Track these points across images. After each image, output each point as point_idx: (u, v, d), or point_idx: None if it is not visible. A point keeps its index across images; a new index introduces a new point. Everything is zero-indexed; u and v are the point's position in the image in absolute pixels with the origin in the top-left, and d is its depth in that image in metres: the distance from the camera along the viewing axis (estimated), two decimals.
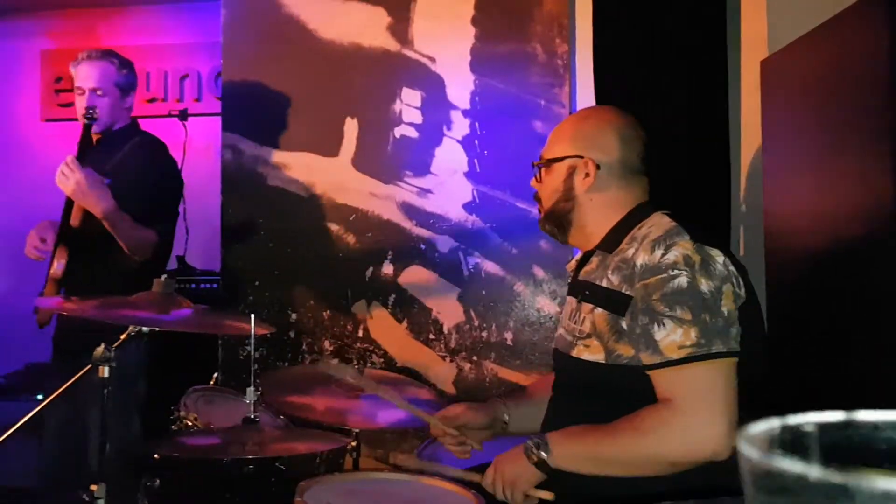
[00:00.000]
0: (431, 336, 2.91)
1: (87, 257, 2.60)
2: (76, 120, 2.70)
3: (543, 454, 1.51)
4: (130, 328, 1.83)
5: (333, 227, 3.02)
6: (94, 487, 1.74)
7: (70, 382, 1.89)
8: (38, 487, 3.38)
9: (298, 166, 3.06)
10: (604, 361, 1.55)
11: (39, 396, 3.60)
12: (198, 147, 3.96)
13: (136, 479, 1.90)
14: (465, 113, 2.96)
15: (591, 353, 1.57)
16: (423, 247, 2.95)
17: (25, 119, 4.31)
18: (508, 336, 2.87)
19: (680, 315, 1.44)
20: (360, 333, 2.97)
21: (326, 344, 2.99)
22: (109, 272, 2.57)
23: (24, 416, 3.55)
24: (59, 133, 3.87)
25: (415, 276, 2.95)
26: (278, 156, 3.08)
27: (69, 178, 2.40)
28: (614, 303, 1.54)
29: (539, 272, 2.87)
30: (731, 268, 1.51)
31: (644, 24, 2.64)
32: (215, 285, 3.58)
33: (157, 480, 1.85)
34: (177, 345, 2.71)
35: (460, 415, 1.78)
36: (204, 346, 3.01)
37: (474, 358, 2.88)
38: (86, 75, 2.71)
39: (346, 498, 1.73)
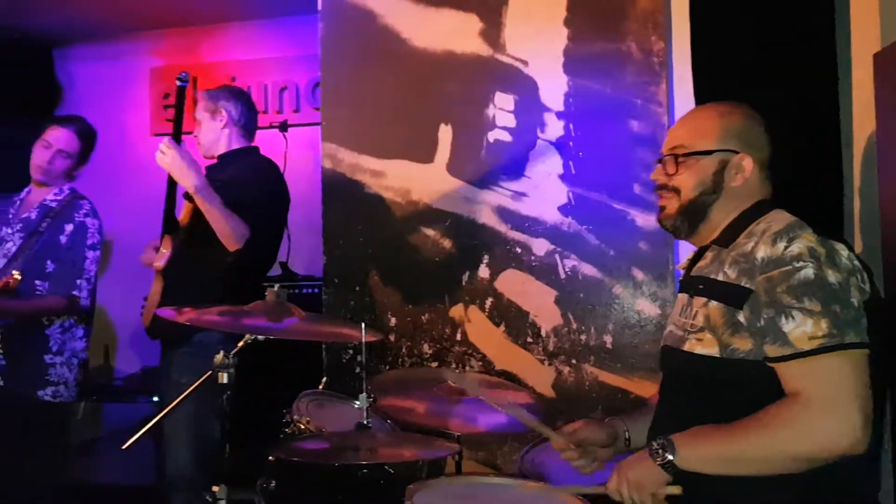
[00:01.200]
0: (529, 339, 2.91)
1: (188, 252, 2.71)
2: (188, 133, 2.83)
3: (670, 456, 1.48)
4: (247, 336, 1.90)
5: (430, 232, 3.06)
6: (215, 489, 1.82)
7: (192, 388, 1.98)
8: (157, 486, 3.56)
9: (395, 173, 3.11)
10: (718, 355, 1.52)
11: (155, 399, 3.83)
12: (297, 156, 4.11)
13: (253, 480, 1.97)
14: (559, 115, 2.95)
15: (704, 346, 1.54)
16: (518, 250, 2.96)
17: (136, 133, 4.55)
18: (608, 339, 2.84)
19: (809, 306, 1.41)
20: (459, 337, 3.00)
21: (425, 347, 3.03)
22: (207, 268, 2.66)
23: (141, 416, 3.75)
24: None
25: (511, 279, 2.95)
26: (375, 164, 3.13)
27: (165, 155, 2.53)
28: (731, 295, 1.51)
29: (639, 274, 2.83)
30: (856, 262, 1.48)
31: (744, 18, 2.57)
32: (317, 290, 3.68)
33: (273, 482, 1.92)
34: (284, 348, 2.79)
35: (580, 430, 1.78)
36: (308, 349, 3.09)
37: (573, 361, 2.86)
38: (208, 104, 2.89)
39: (454, 501, 1.76)
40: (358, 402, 1.78)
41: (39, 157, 3.03)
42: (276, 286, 1.97)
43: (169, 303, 2.62)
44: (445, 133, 3.07)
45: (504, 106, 3.01)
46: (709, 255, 1.66)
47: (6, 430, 2.85)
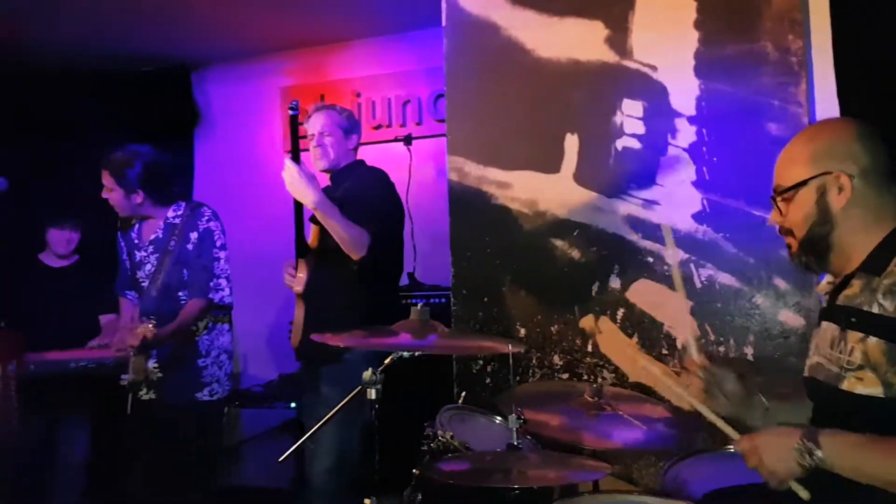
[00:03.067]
0: (664, 351, 2.84)
1: (322, 273, 2.81)
2: (305, 150, 2.94)
3: (819, 455, 1.40)
4: (393, 354, 1.95)
5: (557, 242, 3.03)
6: (367, 501, 1.87)
7: (343, 403, 2.05)
8: (295, 490, 3.69)
9: (521, 184, 3.10)
10: (882, 395, 1.42)
11: (293, 405, 3.97)
12: (421, 168, 4.17)
13: (396, 491, 2.01)
14: (691, 120, 2.86)
15: (866, 386, 1.44)
16: (650, 259, 2.89)
17: (268, 151, 4.74)
18: (749, 351, 2.73)
19: None
20: (590, 348, 2.96)
21: (556, 359, 3.00)
22: (342, 286, 2.76)
23: (280, 421, 3.92)
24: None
25: (643, 289, 2.89)
26: (501, 175, 3.14)
27: (286, 174, 2.63)
28: (893, 331, 1.41)
29: (781, 283, 2.70)
30: None
31: (889, 11, 2.41)
32: (444, 300, 3.71)
33: (419, 495, 1.95)
34: (416, 360, 2.83)
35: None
36: (439, 360, 3.13)
37: None
38: (313, 123, 3.00)
39: None
40: (509, 423, 1.78)
41: (114, 203, 3.15)
42: (420, 305, 2.00)
43: (312, 324, 2.74)
44: (572, 142, 3.04)
45: (632, 113, 2.95)
46: (856, 283, 1.53)
47: (168, 436, 3.05)
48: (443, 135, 3.79)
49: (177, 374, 3.04)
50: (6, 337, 3.26)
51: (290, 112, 2.67)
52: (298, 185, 2.61)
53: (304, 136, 2.92)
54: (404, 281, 3.71)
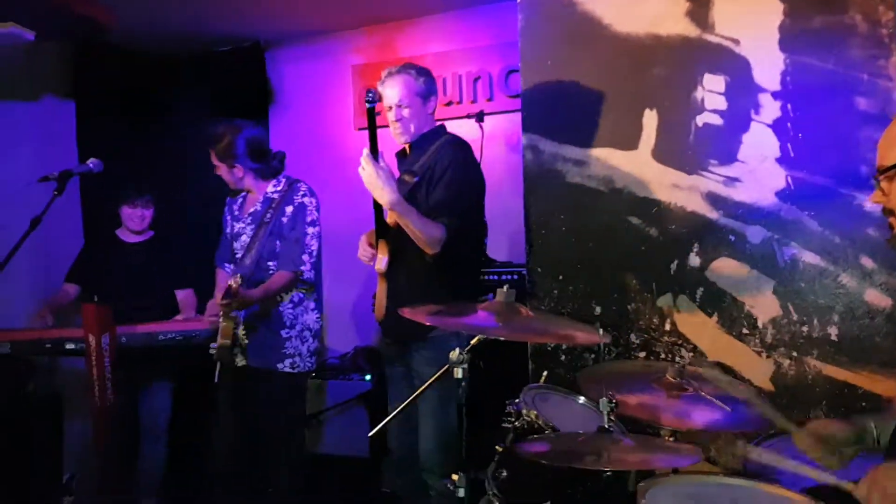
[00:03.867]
0: (745, 330, 2.80)
1: (403, 253, 2.82)
2: (386, 127, 2.93)
3: None
4: (479, 336, 1.98)
5: (634, 220, 3.01)
6: (455, 476, 1.92)
7: (430, 382, 2.11)
8: (373, 459, 3.78)
9: (598, 162, 3.08)
10: None
11: (367, 377, 4.06)
12: (493, 144, 4.16)
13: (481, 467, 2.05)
14: (776, 95, 2.79)
15: None
16: (731, 238, 2.84)
17: (340, 129, 4.79)
18: (833, 331, 2.68)
19: None
20: (668, 327, 2.94)
21: (632, 337, 3.00)
22: (422, 267, 2.76)
23: (355, 392, 3.99)
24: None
25: (724, 268, 2.85)
26: (577, 152, 3.12)
27: (364, 171, 2.63)
28: None
29: (868, 263, 2.64)
30: None
31: None
32: (516, 276, 3.72)
33: (504, 471, 1.99)
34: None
35: (824, 427, 1.70)
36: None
37: (794, 354, 2.72)
38: (389, 93, 2.91)
39: (687, 501, 1.74)
40: (600, 406, 1.80)
41: (226, 178, 3.31)
42: (506, 287, 2.02)
43: (395, 302, 2.77)
44: (650, 119, 3.00)
45: (714, 88, 2.89)
46: None
47: (256, 402, 3.19)
48: (515, 111, 3.81)
49: (261, 342, 3.15)
50: (99, 311, 3.37)
51: (367, 104, 2.55)
52: (375, 183, 2.59)
53: (383, 126, 2.88)
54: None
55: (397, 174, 2.83)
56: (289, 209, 3.21)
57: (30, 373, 3.98)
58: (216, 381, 3.23)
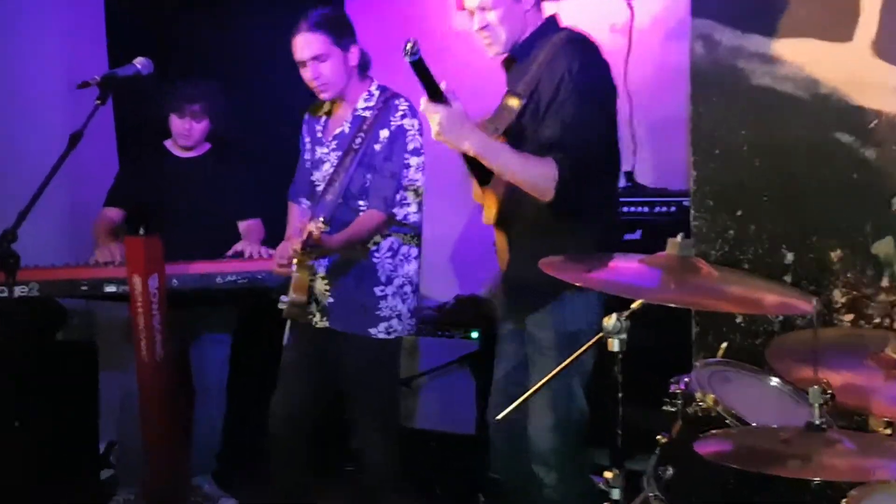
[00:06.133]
0: None
1: (514, 198, 2.76)
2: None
3: None
4: (638, 302, 2.00)
5: (845, 138, 2.95)
6: (608, 474, 1.98)
7: (581, 351, 2.14)
8: (481, 437, 3.86)
9: (795, 58, 3.01)
10: None
11: (474, 334, 4.12)
12: (645, 31, 4.07)
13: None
14: None
15: None
16: None
17: (435, 6, 4.74)
18: None
19: None
20: (885, 283, 2.90)
21: (836, 295, 2.97)
22: (537, 212, 2.70)
23: (458, 353, 4.05)
24: None
25: None
26: (767, 45, 3.05)
27: (431, 122, 2.51)
28: None
29: None
30: None
31: None
32: (673, 208, 3.70)
33: (670, 469, 2.03)
34: None
35: None
36: None
37: None
38: None
39: None
40: (810, 398, 1.79)
41: (324, 78, 3.20)
42: (680, 236, 2.02)
43: (519, 254, 2.80)
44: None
45: None
46: None
47: (338, 371, 3.29)
48: None
49: (347, 300, 3.23)
50: (146, 246, 3.47)
51: (410, 60, 2.40)
52: (449, 131, 2.49)
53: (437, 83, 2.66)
54: (621, 183, 3.71)
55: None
56: (383, 133, 3.21)
57: (60, 319, 4.19)
58: (285, 343, 3.36)
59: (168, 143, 4.09)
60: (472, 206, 4.19)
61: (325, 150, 3.32)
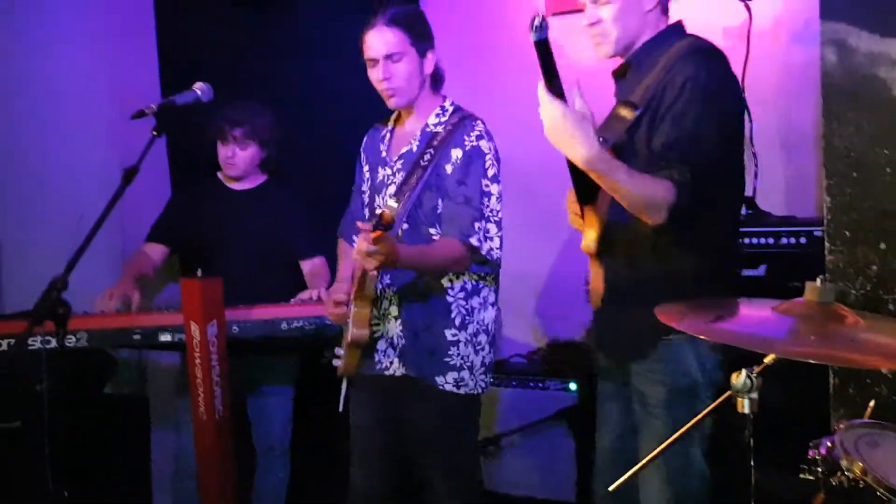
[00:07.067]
0: None
1: (618, 222, 2.71)
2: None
3: None
4: (773, 356, 1.96)
5: None
6: None
7: (703, 415, 2.10)
8: None
9: None
10: None
11: (572, 385, 4.07)
12: (762, 34, 4.01)
13: None
14: None
15: None
16: None
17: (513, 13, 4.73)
18: None
19: None
20: None
21: None
22: (644, 239, 2.68)
23: (553, 408, 3.98)
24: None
25: None
26: None
27: (546, 113, 2.45)
28: None
29: None
30: None
31: None
32: (802, 240, 3.58)
33: None
34: None
35: None
36: None
37: None
38: None
39: None
40: None
41: (397, 81, 3.16)
42: (820, 279, 1.96)
43: (615, 293, 2.75)
44: None
45: None
46: None
47: (412, 429, 3.23)
48: None
49: (417, 341, 3.15)
50: (204, 288, 3.49)
51: (536, 38, 2.32)
52: (563, 133, 2.42)
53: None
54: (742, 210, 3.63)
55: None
56: (456, 154, 3.14)
57: (109, 371, 4.24)
58: (344, 406, 3.30)
59: (221, 175, 4.14)
60: (567, 235, 4.15)
61: (390, 172, 3.26)
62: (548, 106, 2.42)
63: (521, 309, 4.63)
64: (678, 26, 2.82)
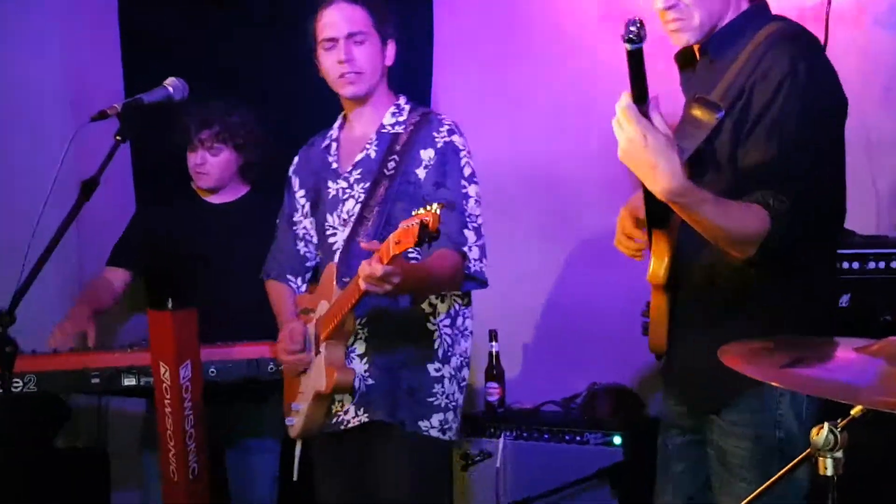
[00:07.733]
0: None
1: (692, 251, 2.61)
2: None
3: None
4: (860, 408, 1.84)
5: None
6: None
7: (783, 472, 1.99)
8: None
9: None
10: None
11: (617, 439, 3.88)
12: (841, 15, 3.92)
13: None
14: None
15: None
16: None
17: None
18: None
19: None
20: None
21: None
22: (724, 270, 2.56)
23: (596, 464, 3.82)
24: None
25: None
26: None
27: (621, 131, 2.31)
28: None
29: None
30: None
31: None
32: (894, 264, 3.45)
33: None
34: None
35: None
36: None
37: None
38: None
39: None
40: None
41: (332, 61, 3.13)
42: None
43: (688, 328, 2.60)
44: None
45: None
46: None
47: (397, 485, 3.09)
48: None
49: (392, 380, 3.06)
50: (176, 323, 3.36)
51: (630, 47, 2.23)
52: (642, 159, 2.27)
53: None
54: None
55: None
56: (427, 154, 3.10)
57: (63, 421, 4.11)
58: (295, 476, 3.29)
59: (195, 186, 4.04)
60: (610, 259, 3.98)
61: (345, 185, 3.20)
62: (630, 125, 2.25)
63: (553, 346, 4.55)
64: (763, 6, 2.65)
